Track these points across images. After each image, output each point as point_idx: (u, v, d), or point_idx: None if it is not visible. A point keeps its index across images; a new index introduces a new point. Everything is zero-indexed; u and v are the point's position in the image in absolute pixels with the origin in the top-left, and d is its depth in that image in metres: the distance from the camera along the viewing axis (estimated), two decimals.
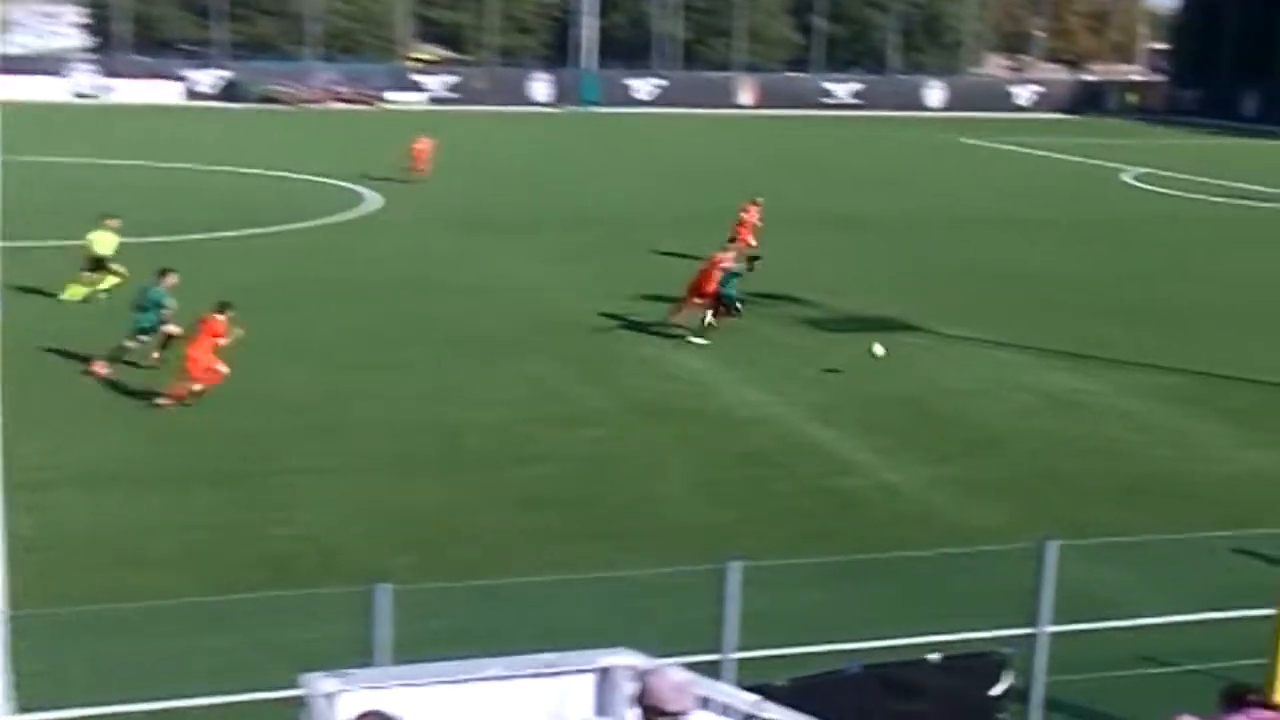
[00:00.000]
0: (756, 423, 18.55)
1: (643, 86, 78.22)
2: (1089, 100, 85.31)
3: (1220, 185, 48.35)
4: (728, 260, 23.93)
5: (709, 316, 23.39)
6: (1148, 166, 53.76)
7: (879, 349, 21.65)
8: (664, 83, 78.44)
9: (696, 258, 26.19)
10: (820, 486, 16.11)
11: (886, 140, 64.01)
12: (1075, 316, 25.77)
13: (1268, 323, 25.90)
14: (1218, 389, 20.99)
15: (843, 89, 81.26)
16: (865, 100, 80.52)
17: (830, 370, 21.45)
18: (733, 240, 28.26)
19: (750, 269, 23.69)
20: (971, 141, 64.19)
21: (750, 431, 18.15)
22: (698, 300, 23.42)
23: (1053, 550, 9.76)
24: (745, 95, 79.62)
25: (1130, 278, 30.29)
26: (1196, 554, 13.30)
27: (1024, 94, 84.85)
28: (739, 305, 23.47)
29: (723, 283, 23.51)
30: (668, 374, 20.98)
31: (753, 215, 30.23)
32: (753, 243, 28.90)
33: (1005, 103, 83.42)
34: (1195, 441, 18.28)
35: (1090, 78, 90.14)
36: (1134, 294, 28.35)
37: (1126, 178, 50.78)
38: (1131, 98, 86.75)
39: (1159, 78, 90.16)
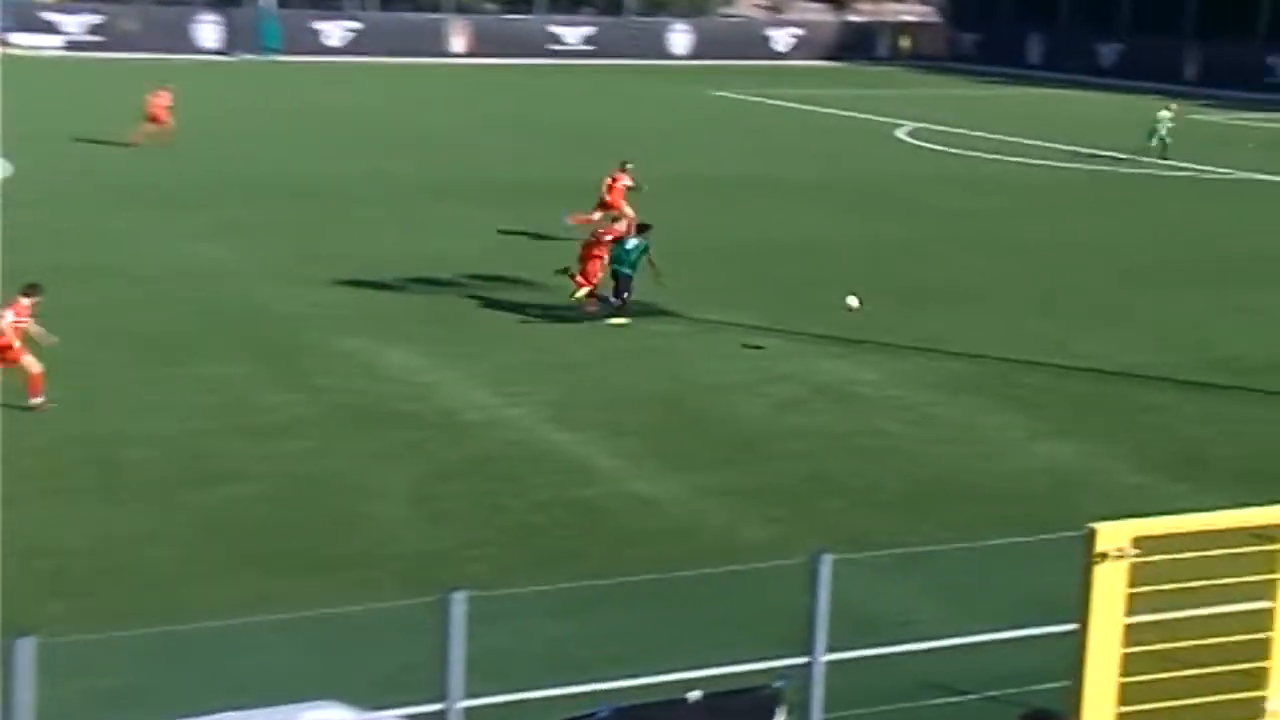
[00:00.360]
0: (484, 427, 18.58)
1: (334, 31, 77.20)
2: (856, 45, 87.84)
3: (1002, 141, 50.47)
4: (616, 232, 24.60)
5: (580, 292, 24.07)
6: (923, 121, 55.70)
7: (853, 301, 22.62)
8: (359, 26, 77.57)
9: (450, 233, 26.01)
10: (561, 500, 16.23)
11: (625, 93, 64.71)
12: (845, 295, 26.51)
13: (1052, 297, 27.16)
14: (1003, 374, 21.92)
15: (572, 34, 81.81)
16: (599, 47, 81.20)
17: (752, 346, 22.32)
18: (603, 209, 28.78)
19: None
20: (723, 94, 65.41)
21: (477, 438, 18.17)
22: (591, 280, 24.17)
23: (827, 565, 10.03)
24: (457, 41, 79.38)
25: (905, 249, 31.37)
26: (990, 563, 13.87)
27: (782, 38, 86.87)
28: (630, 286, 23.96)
29: (616, 259, 23.97)
30: (378, 372, 20.83)
31: (622, 182, 30.35)
32: (629, 212, 29.03)
33: (761, 49, 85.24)
34: (983, 435, 19.07)
35: (857, 19, 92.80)
36: (910, 268, 29.37)
37: (900, 134, 52.54)
38: (904, 42, 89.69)
39: (935, 19, 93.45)
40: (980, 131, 53.01)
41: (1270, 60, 73.63)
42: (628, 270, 24.07)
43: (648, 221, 25.37)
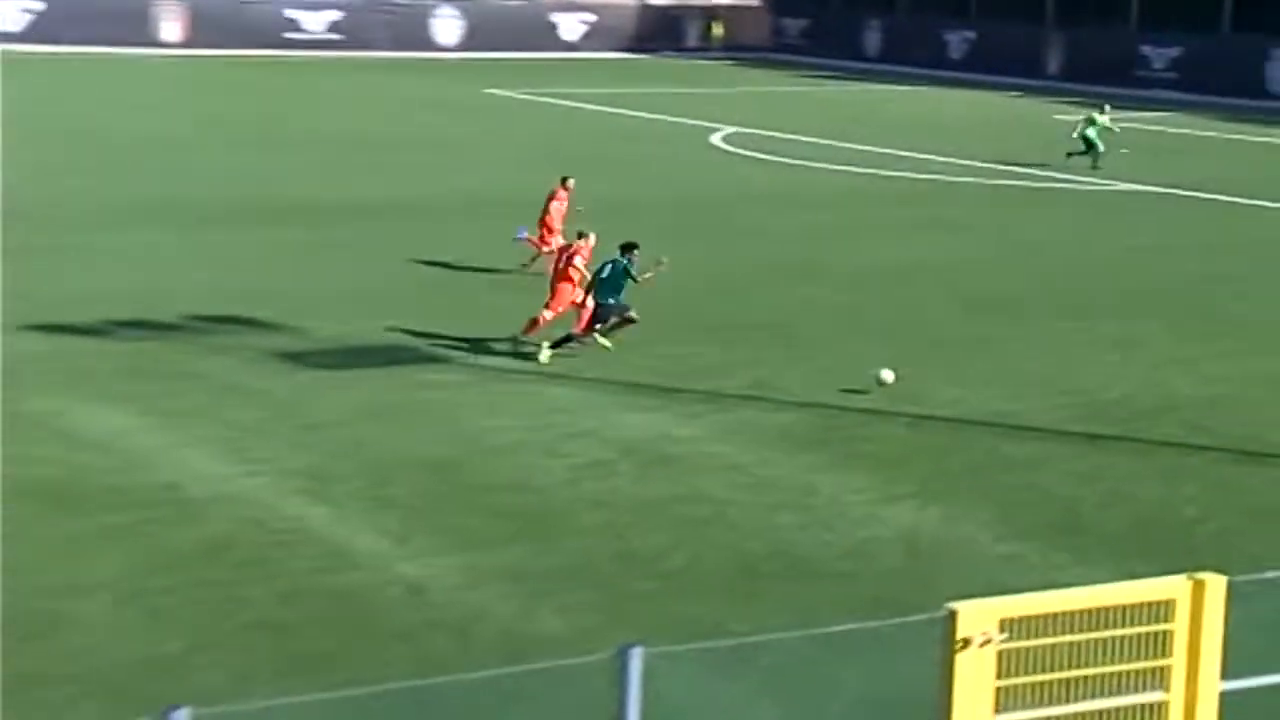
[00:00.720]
0: (215, 502, 18.31)
1: (7, 12, 75.73)
2: (661, 34, 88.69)
3: (835, 148, 51.28)
4: (584, 254, 25.26)
5: (580, 330, 24.73)
6: (743, 124, 56.39)
7: (888, 375, 22.93)
8: (40, 6, 76.25)
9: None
10: (312, 589, 16.05)
11: (381, 92, 64.55)
12: (658, 334, 26.63)
13: (898, 332, 27.49)
14: (846, 426, 22.20)
15: (315, 19, 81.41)
16: (348, 35, 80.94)
17: (850, 390, 22.98)
18: (549, 232, 29.74)
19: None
20: (501, 93, 65.57)
21: (206, 516, 17.90)
22: (557, 309, 24.87)
23: (637, 660, 10.04)
24: (170, 28, 78.54)
25: (724, 277, 31.63)
26: (835, 654, 13.96)
27: (571, 26, 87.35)
28: (630, 317, 24.70)
29: (601, 289, 24.51)
30: (77, 439, 20.42)
31: (563, 201, 30.76)
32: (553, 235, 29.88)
33: (546, 39, 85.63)
34: (824, 499, 19.26)
35: (661, 4, 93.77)
36: (731, 299, 29.63)
37: (715, 139, 53.13)
38: (717, 30, 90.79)
39: (754, 4, 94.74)
40: (809, 136, 53.81)
41: (1144, 50, 75.94)
42: (610, 299, 24.57)
43: (633, 241, 25.34)
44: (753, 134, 54.32)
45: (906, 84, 75.21)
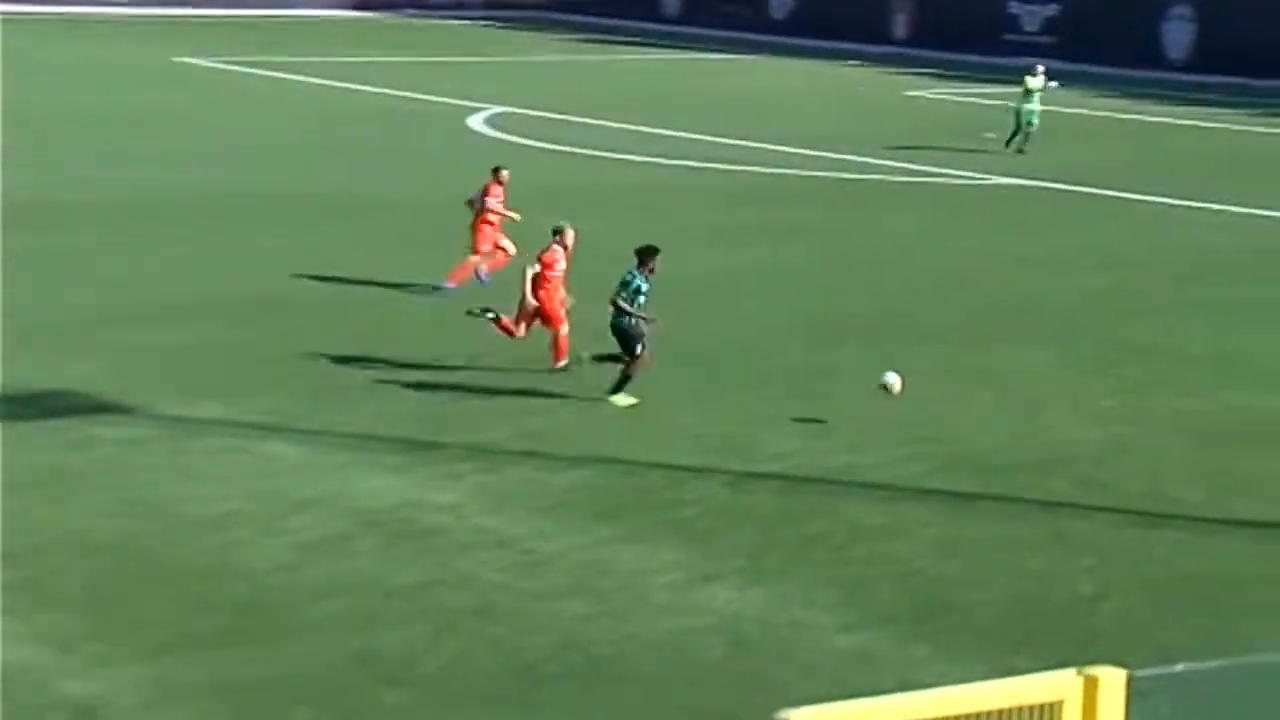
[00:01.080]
0: None
1: None
2: None
3: (627, 131, 51.54)
4: (559, 261, 26.38)
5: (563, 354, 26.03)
6: (510, 103, 56.59)
7: (893, 380, 23.99)
8: None
9: None
10: None
11: (39, 58, 63.78)
12: (406, 373, 26.55)
13: (715, 365, 27.67)
14: (651, 488, 22.23)
15: None
16: None
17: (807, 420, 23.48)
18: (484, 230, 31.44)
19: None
20: (195, 61, 65.15)
21: None
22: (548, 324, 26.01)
23: None
24: None
25: (491, 299, 31.53)
26: None
27: None
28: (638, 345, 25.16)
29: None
30: None
31: (498, 196, 32.23)
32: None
33: None
34: (623, 581, 19.21)
35: None
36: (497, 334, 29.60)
37: (475, 122, 53.19)
38: None
39: None
40: (597, 118, 54.07)
41: (1013, 9, 77.13)
42: (623, 322, 25.18)
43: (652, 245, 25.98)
44: (524, 115, 54.46)
45: (719, 51, 75.87)
